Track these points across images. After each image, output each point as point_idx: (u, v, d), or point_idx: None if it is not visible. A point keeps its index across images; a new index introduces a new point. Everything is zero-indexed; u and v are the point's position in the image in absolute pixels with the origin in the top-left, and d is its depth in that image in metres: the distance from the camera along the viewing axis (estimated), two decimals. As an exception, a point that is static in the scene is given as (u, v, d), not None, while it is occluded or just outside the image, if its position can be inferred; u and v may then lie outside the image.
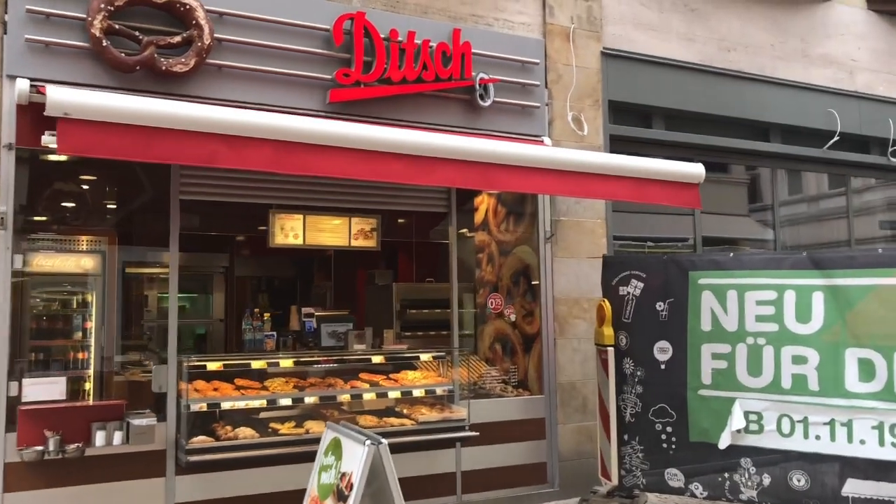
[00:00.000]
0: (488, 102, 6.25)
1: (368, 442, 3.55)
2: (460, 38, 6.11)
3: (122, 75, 5.01)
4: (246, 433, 5.17)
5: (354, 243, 7.47)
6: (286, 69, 5.57)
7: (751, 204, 9.64)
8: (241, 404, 5.31)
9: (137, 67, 5.01)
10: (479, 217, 7.39)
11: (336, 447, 3.81)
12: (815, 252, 5.43)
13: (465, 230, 7.63)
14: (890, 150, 8.76)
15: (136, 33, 5.03)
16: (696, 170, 5.31)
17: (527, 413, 6.46)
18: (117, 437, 4.86)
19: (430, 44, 5.97)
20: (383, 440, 3.57)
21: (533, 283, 6.79)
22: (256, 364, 5.48)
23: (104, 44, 4.90)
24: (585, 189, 4.94)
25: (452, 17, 6.36)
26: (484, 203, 7.31)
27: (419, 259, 8.38)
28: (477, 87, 6.18)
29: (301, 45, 5.64)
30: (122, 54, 4.96)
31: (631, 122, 7.33)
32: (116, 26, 4.96)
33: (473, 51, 6.18)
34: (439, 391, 6.00)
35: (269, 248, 6.69)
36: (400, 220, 8.14)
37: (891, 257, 5.20)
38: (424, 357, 6.14)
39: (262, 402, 5.37)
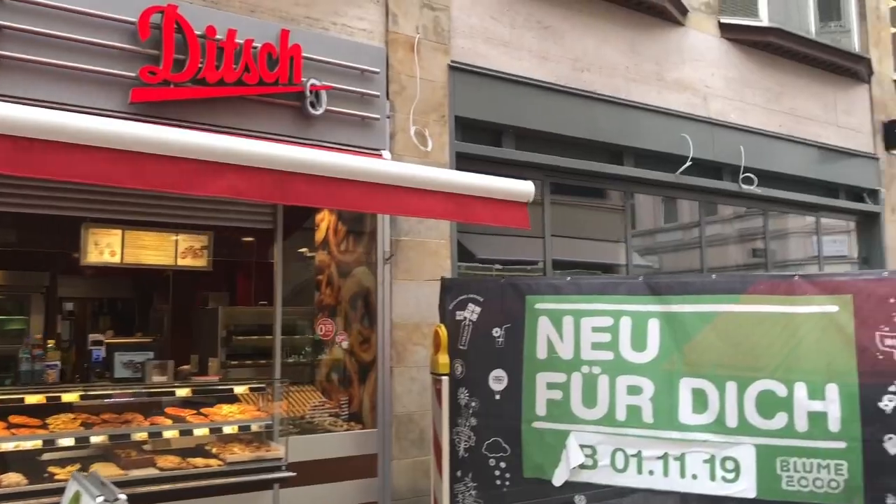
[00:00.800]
0: (320, 111, 5.78)
1: (101, 498, 2.97)
2: (289, 40, 5.62)
3: None
4: (12, 479, 4.43)
5: (182, 262, 6.86)
6: (83, 64, 4.93)
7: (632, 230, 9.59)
8: (9, 445, 4.57)
9: None
10: (319, 235, 6.90)
11: (76, 502, 3.21)
12: (652, 277, 5.21)
13: (305, 249, 7.14)
14: (741, 177, 8.83)
15: None
16: (523, 188, 4.98)
17: (358, 448, 5.95)
18: None
19: (255, 44, 5.45)
20: (121, 496, 2.99)
21: (372, 306, 6.33)
22: (33, 398, 4.75)
23: None
24: (400, 205, 4.52)
25: (284, 18, 5.87)
26: (325, 220, 6.83)
27: (260, 281, 7.77)
28: (307, 93, 5.70)
29: (101, 38, 5.01)
30: None
31: (480, 140, 7.00)
32: None
33: (305, 55, 5.71)
34: (255, 427, 5.42)
35: (100, 267, 6.02)
36: (246, 238, 7.56)
37: (725, 284, 5.06)
38: (239, 389, 5.55)
39: (38, 443, 4.66)
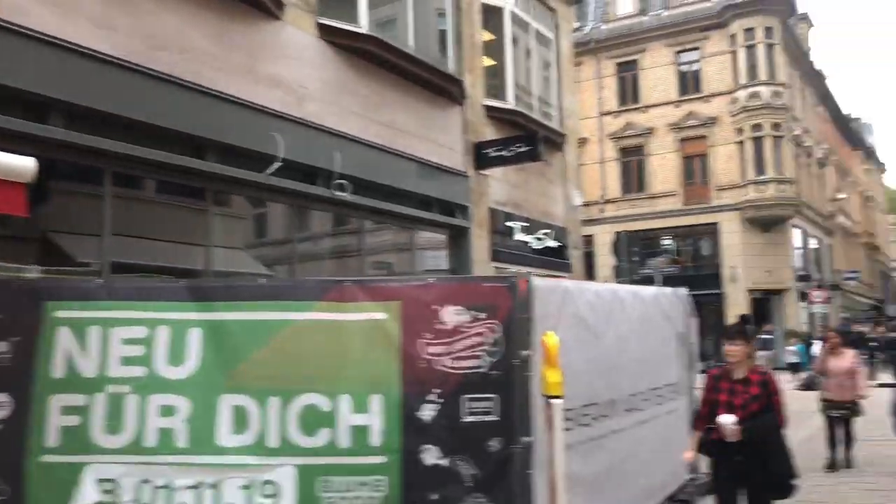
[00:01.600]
0: None
1: None
2: None
3: None
4: None
5: None
6: None
7: (260, 238, 8.97)
8: None
9: None
10: None
11: None
12: (197, 282, 4.59)
13: None
14: (333, 182, 8.66)
15: None
16: (18, 162, 4.02)
17: None
18: None
19: None
20: None
21: None
22: None
23: None
24: None
25: None
26: None
27: None
28: None
29: None
30: None
31: (18, 115, 5.79)
32: None
33: None
34: None
35: None
36: None
37: (272, 290, 4.65)
38: None
39: None
